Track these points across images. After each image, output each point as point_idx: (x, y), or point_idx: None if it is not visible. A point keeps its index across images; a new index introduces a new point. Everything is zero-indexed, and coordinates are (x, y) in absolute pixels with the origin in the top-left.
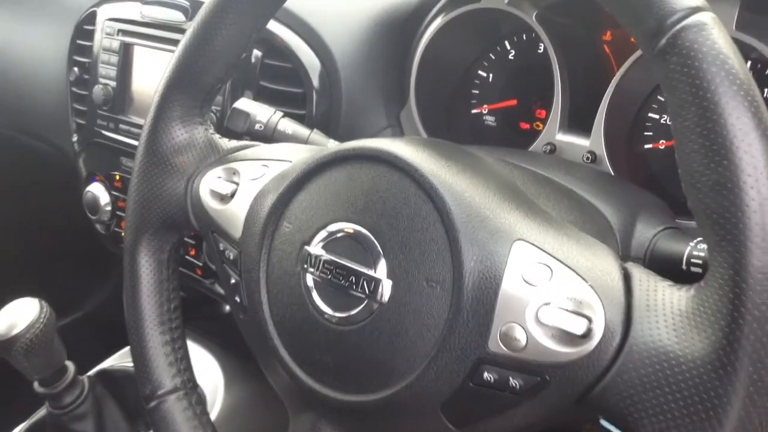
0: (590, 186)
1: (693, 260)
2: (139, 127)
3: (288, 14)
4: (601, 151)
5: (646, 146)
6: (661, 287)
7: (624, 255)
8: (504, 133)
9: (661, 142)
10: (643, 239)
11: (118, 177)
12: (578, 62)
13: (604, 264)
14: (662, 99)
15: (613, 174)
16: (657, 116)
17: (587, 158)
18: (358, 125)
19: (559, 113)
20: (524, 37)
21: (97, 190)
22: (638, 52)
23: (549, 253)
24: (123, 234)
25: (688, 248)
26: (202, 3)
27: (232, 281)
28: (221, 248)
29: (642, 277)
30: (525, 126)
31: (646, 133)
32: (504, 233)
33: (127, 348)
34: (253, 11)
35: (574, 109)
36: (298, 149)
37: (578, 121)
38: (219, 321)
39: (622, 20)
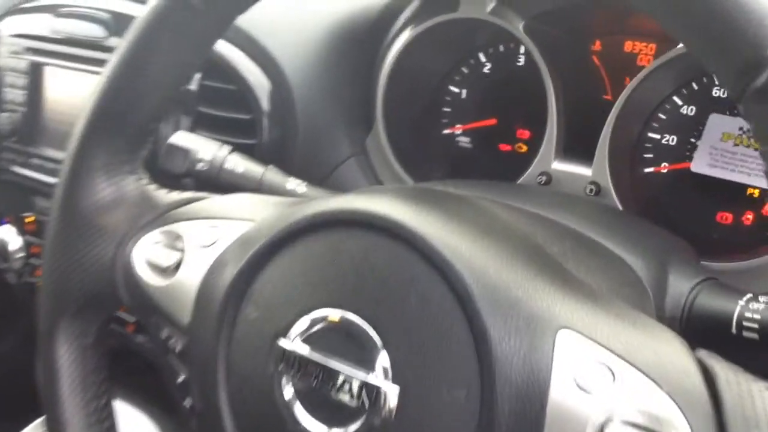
0: (608, 230)
1: (746, 323)
2: (55, 161)
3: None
4: (606, 181)
5: (647, 170)
6: (757, 390)
7: (658, 316)
8: (482, 156)
9: (663, 165)
10: (679, 295)
11: (31, 219)
12: (571, 77)
13: (675, 357)
14: (663, 117)
15: (621, 209)
16: (658, 136)
17: (590, 191)
18: (317, 155)
19: (555, 137)
20: (501, 49)
21: (6, 234)
22: (648, 67)
23: (604, 346)
24: (39, 286)
25: (738, 307)
26: (126, 16)
27: (180, 379)
28: (164, 336)
29: (729, 377)
30: (506, 148)
31: (646, 156)
32: (544, 320)
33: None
34: (197, 30)
35: (572, 132)
36: (262, 203)
37: (577, 147)
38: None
39: (696, 49)
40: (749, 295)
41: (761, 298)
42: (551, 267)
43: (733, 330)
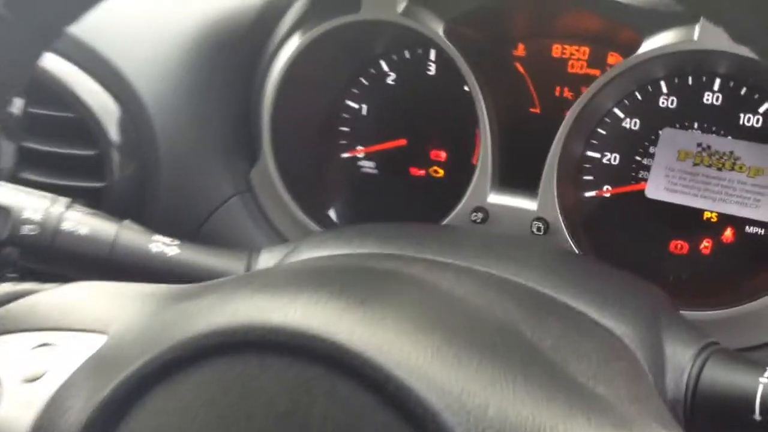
0: (585, 291)
1: None
2: None
3: (63, 38)
4: (555, 216)
5: (587, 194)
6: None
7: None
8: (391, 184)
9: (605, 188)
10: (679, 369)
11: None
12: (500, 89)
13: None
14: (603, 133)
15: (578, 252)
16: (598, 155)
17: (538, 229)
18: (189, 197)
19: (490, 163)
20: (407, 55)
21: None
22: (602, 78)
23: None
24: None
25: (761, 386)
26: None
27: None
28: None
29: None
30: (418, 173)
31: (586, 178)
32: None
33: None
34: (9, 44)
35: (509, 156)
36: (120, 299)
37: (516, 174)
38: None
39: None
40: None
41: None
42: (540, 366)
43: (757, 415)
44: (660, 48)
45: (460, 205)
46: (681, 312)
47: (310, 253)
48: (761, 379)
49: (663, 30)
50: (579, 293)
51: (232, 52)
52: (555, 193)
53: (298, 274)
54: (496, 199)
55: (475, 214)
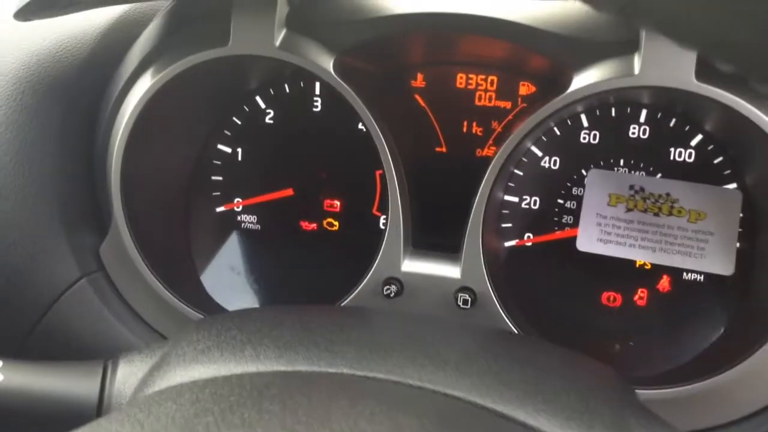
0: (531, 399)
1: None
2: None
3: None
4: (483, 283)
5: (507, 244)
6: None
7: None
8: (278, 240)
9: (526, 236)
10: None
11: None
12: (400, 127)
13: None
14: (520, 174)
15: (512, 325)
16: (515, 199)
17: (464, 302)
18: (19, 288)
19: (401, 222)
20: (287, 90)
21: None
22: (535, 117)
23: None
24: None
25: None
26: None
27: None
28: None
29: None
30: (310, 226)
31: (504, 225)
32: None
33: None
34: None
35: (421, 211)
36: None
37: (431, 233)
38: None
39: None
40: None
41: None
42: None
43: None
44: (596, 85)
45: (368, 276)
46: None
47: (181, 370)
48: None
49: (594, 62)
50: (538, 407)
51: (67, 94)
52: (481, 253)
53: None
54: (410, 266)
55: (387, 287)
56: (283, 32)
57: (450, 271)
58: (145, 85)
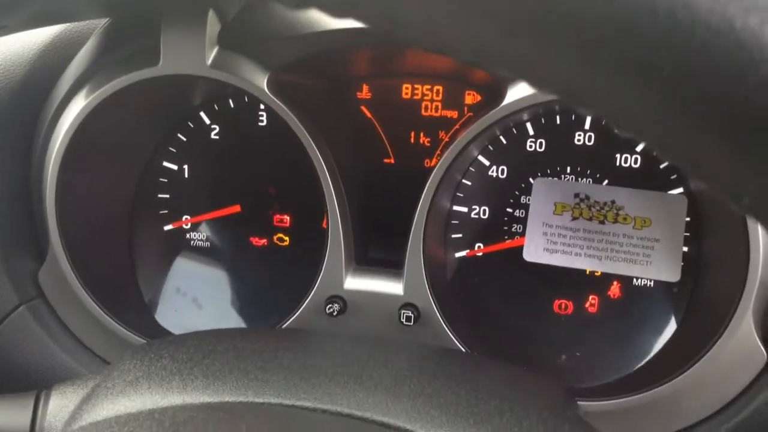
0: (462, 421)
1: None
2: None
3: None
4: (426, 299)
5: (458, 254)
6: None
7: None
8: (228, 257)
9: (477, 246)
10: None
11: None
12: (346, 140)
13: None
14: (469, 184)
15: (456, 341)
16: (465, 209)
17: (407, 318)
18: None
19: (342, 238)
20: (231, 105)
21: None
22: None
23: None
24: None
25: None
26: None
27: None
28: None
29: None
30: (260, 242)
31: (454, 236)
32: None
33: None
34: None
35: (366, 224)
36: None
37: (375, 248)
38: None
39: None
40: None
41: None
42: None
43: None
44: (533, 96)
45: (311, 295)
46: (580, 403)
47: (109, 403)
48: None
49: None
50: (466, 430)
51: (2, 118)
52: (423, 268)
53: None
54: (353, 283)
55: (330, 305)
56: (215, 50)
57: (393, 287)
58: (78, 106)
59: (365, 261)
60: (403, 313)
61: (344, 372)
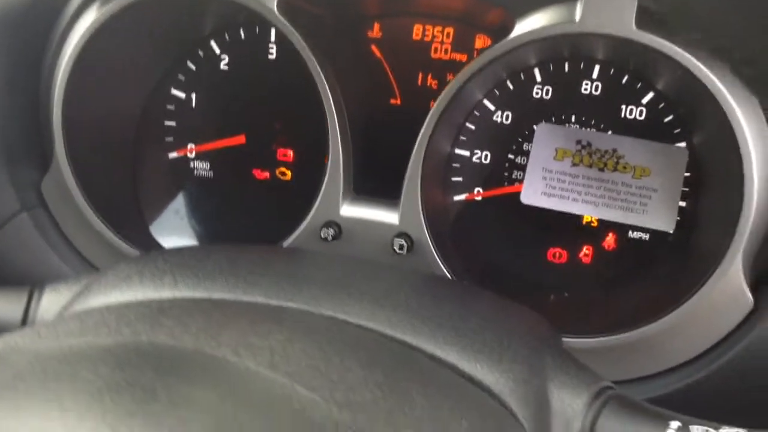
0: (447, 334)
1: None
2: None
3: None
4: (420, 230)
5: (457, 198)
6: None
7: None
8: (230, 188)
9: (476, 190)
10: (569, 422)
11: None
12: (354, 77)
13: None
14: (473, 128)
15: (447, 272)
16: (467, 153)
17: (400, 247)
18: None
19: (342, 167)
20: (242, 36)
21: None
22: (470, 67)
23: None
24: None
25: None
26: None
27: None
28: None
29: None
30: (262, 175)
31: (455, 179)
32: None
33: None
34: None
35: (364, 157)
36: None
37: (372, 179)
38: None
39: None
40: (677, 424)
41: (695, 429)
42: None
43: None
44: (536, 31)
45: (307, 220)
46: (564, 339)
47: (101, 296)
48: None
49: (538, 9)
50: (449, 341)
51: (14, 27)
52: (419, 201)
53: (63, 359)
54: (349, 210)
55: (325, 230)
56: None
57: (388, 217)
58: (89, 19)
59: (363, 191)
60: (397, 241)
61: (332, 283)
